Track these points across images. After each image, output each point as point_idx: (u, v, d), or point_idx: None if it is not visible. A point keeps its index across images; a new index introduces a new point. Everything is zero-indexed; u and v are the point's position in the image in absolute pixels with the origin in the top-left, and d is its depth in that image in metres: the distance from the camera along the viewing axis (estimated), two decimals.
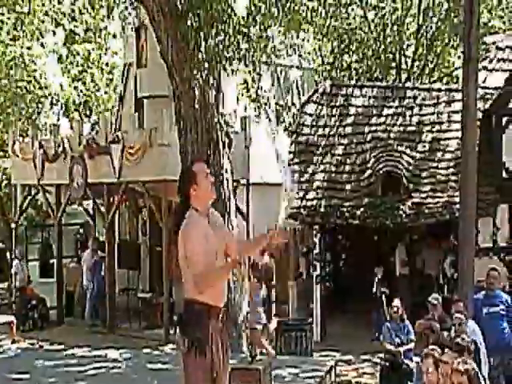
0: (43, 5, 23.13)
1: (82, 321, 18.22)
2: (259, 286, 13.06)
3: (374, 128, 16.90)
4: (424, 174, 15.73)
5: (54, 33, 24.50)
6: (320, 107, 17.53)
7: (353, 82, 20.69)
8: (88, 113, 28.69)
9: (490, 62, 15.86)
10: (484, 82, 15.02)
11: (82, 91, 27.82)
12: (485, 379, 7.71)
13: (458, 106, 15.44)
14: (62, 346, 14.40)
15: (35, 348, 14.66)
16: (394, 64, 24.64)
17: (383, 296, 15.13)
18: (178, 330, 5.33)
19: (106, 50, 27.75)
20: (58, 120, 26.61)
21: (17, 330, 16.42)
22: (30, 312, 18.41)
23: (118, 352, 11.89)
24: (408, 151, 15.90)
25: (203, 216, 5.34)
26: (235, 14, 12.25)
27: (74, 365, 10.90)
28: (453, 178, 15.19)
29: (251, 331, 12.04)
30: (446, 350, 7.12)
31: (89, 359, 11.27)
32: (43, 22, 24.08)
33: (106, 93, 28.74)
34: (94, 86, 28.27)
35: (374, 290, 15.45)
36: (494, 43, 16.48)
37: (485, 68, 15.44)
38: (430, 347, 7.24)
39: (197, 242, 5.16)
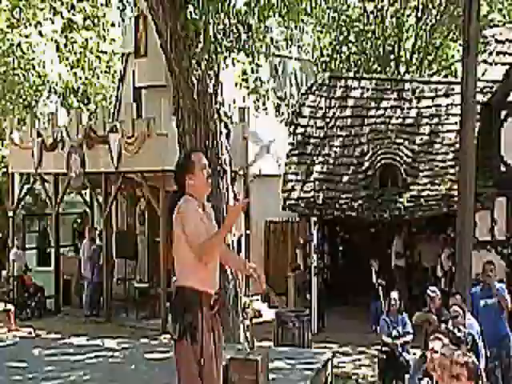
0: None
1: (79, 310, 18.26)
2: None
3: (372, 120, 16.90)
4: (422, 167, 15.74)
5: (52, 21, 24.40)
6: (318, 99, 17.51)
7: (351, 74, 20.66)
8: (86, 102, 28.63)
9: (490, 54, 15.84)
10: (483, 75, 15.00)
11: (80, 78, 27.71)
12: (482, 372, 7.72)
13: (456, 98, 15.45)
14: (59, 335, 14.41)
15: (32, 337, 14.66)
16: (392, 56, 24.64)
17: (380, 288, 15.16)
18: (169, 317, 5.32)
19: (105, 38, 27.64)
20: (56, 109, 26.53)
21: (14, 318, 16.44)
22: (28, 301, 18.46)
23: (115, 341, 11.88)
24: (406, 143, 15.91)
25: (198, 203, 5.38)
26: (235, 5, 12.23)
27: (71, 354, 10.87)
28: (451, 170, 15.21)
29: None
30: (445, 341, 7.14)
31: (86, 348, 11.24)
32: (41, 9, 23.97)
33: (103, 81, 28.63)
34: (93, 75, 28.18)
35: (374, 281, 15.46)
36: (493, 36, 16.46)
37: (484, 61, 15.42)
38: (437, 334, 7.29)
39: (195, 220, 5.21)
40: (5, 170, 24.11)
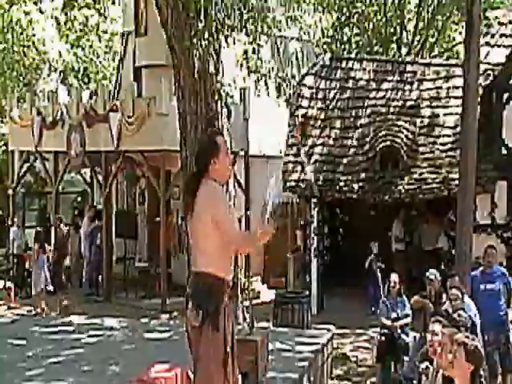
0: None
1: (78, 289, 18.28)
2: (42, 251, 14.95)
3: (373, 102, 16.82)
4: (422, 149, 15.71)
5: None
6: (319, 80, 17.42)
7: (353, 56, 20.56)
8: (86, 80, 28.52)
9: (492, 37, 15.76)
10: (486, 57, 14.93)
11: (80, 58, 27.62)
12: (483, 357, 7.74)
13: (457, 81, 15.39)
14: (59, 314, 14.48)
15: (32, 315, 14.74)
16: (394, 38, 24.50)
17: (379, 271, 15.15)
18: (189, 304, 5.19)
19: (105, 16, 27.50)
20: (56, 87, 26.46)
21: (14, 296, 16.49)
22: (28, 279, 18.46)
23: (115, 321, 11.94)
24: (407, 126, 15.86)
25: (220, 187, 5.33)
26: None
27: (70, 332, 10.95)
28: (451, 153, 15.19)
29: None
30: (446, 323, 7.16)
31: (85, 327, 11.32)
32: None
33: (104, 60, 28.53)
34: (93, 53, 28.08)
35: (367, 265, 15.43)
36: (496, 18, 16.36)
37: (487, 43, 15.35)
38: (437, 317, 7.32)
39: (226, 206, 5.20)
40: (5, 147, 24.09)
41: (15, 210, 20.58)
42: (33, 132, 18.93)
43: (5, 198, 22.56)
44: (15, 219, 19.75)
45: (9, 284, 17.11)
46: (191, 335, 5.24)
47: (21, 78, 27.09)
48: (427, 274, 10.07)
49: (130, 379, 6.57)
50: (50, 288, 14.84)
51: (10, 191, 20.78)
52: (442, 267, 14.03)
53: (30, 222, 21.51)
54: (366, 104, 16.83)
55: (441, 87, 16.60)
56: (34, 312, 14.59)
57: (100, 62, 28.40)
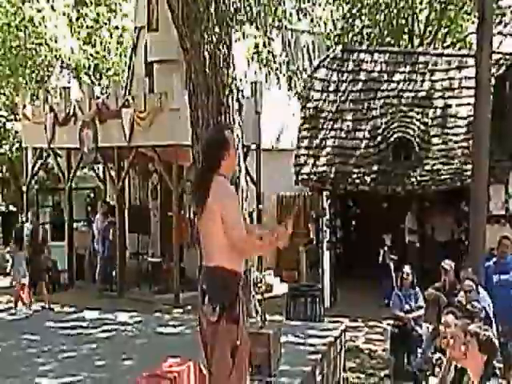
0: None
1: (92, 284, 18.35)
2: (19, 248, 15.40)
3: (385, 94, 16.75)
4: (435, 141, 15.63)
5: None
6: (331, 72, 17.36)
7: (364, 48, 20.47)
8: (98, 76, 28.56)
9: (505, 26, 15.67)
10: (498, 47, 14.84)
11: (91, 55, 27.67)
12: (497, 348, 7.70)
13: (470, 71, 15.29)
14: (73, 309, 14.52)
15: (49, 308, 14.87)
16: (406, 29, 24.40)
17: (392, 263, 15.12)
18: (205, 300, 5.19)
19: (116, 12, 27.54)
20: (69, 83, 26.51)
21: (28, 292, 16.54)
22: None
23: (128, 315, 11.97)
24: (419, 117, 15.79)
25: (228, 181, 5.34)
26: None
27: (84, 327, 10.99)
28: (464, 144, 15.11)
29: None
30: (458, 315, 7.13)
31: (99, 322, 11.35)
32: None
33: (115, 56, 28.55)
34: (104, 50, 28.13)
35: (381, 258, 15.40)
36: (509, 7, 16.27)
37: (500, 33, 15.28)
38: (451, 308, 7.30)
39: (236, 205, 5.22)
40: (18, 144, 24.17)
41: (29, 206, 20.65)
42: (45, 129, 18.98)
43: (19, 195, 22.63)
44: (29, 215, 19.82)
45: (23, 280, 17.14)
46: (207, 330, 5.23)
47: (33, 75, 27.16)
48: (442, 263, 10.05)
49: (143, 373, 6.57)
50: (26, 281, 15.16)
51: (24, 188, 20.86)
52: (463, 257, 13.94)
53: (43, 219, 21.57)
54: (377, 96, 16.76)
55: (453, 78, 16.51)
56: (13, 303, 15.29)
57: (111, 58, 28.42)
